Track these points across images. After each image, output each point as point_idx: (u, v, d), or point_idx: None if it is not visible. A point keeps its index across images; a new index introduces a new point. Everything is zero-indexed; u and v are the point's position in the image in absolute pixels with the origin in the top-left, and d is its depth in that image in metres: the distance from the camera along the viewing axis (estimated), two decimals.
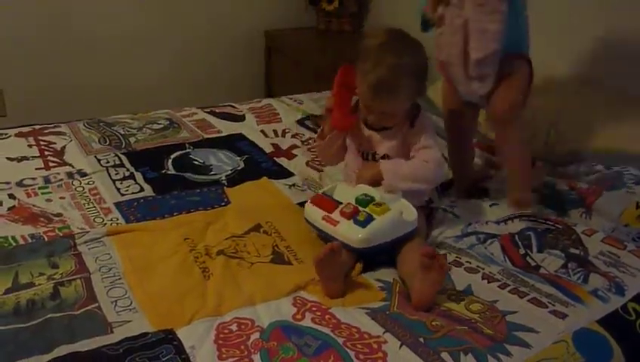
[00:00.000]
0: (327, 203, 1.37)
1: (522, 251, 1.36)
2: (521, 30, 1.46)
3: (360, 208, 1.33)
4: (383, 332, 1.10)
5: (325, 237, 1.33)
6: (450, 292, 1.22)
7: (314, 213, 1.37)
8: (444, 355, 1.04)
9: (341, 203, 1.36)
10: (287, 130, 2.05)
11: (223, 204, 1.57)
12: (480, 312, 1.16)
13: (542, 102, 1.95)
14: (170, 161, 1.79)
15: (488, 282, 1.26)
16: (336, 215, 1.33)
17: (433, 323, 1.13)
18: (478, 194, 1.61)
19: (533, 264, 1.32)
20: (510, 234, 1.41)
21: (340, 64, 1.47)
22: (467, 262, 1.33)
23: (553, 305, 1.18)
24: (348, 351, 1.05)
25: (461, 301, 1.20)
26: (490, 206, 1.56)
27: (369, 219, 1.29)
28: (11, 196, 1.54)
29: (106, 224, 1.45)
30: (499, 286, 1.25)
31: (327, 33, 3.20)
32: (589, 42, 2.05)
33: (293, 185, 1.67)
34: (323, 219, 1.34)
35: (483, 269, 1.30)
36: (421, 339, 1.08)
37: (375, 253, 1.31)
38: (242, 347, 1.06)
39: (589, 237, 1.39)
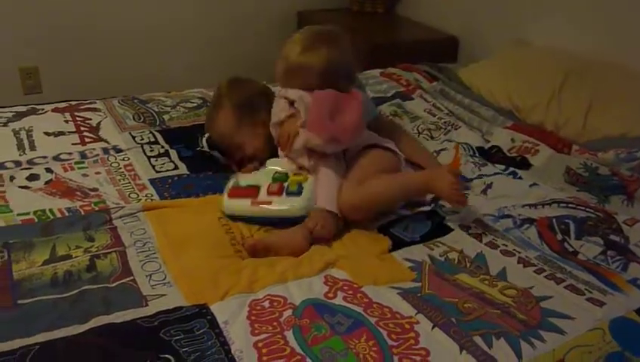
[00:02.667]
0: (247, 191, 1.34)
1: (560, 237, 1.33)
2: None
3: (284, 183, 1.34)
4: (415, 314, 1.09)
5: (262, 221, 1.33)
6: (484, 277, 1.21)
7: (238, 205, 1.35)
8: (477, 339, 1.03)
9: (258, 186, 1.36)
10: None
11: None
12: (513, 296, 1.15)
13: (579, 87, 1.91)
14: (204, 139, 1.80)
15: (524, 266, 1.24)
16: (264, 197, 1.33)
17: (465, 305, 1.12)
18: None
19: (571, 250, 1.29)
20: (547, 219, 1.37)
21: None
22: (503, 244, 1.31)
23: (590, 293, 1.16)
24: (380, 330, 1.05)
25: (494, 286, 1.18)
26: (530, 186, 1.53)
27: (300, 187, 1.32)
28: (48, 170, 1.57)
29: (140, 200, 1.46)
30: (535, 271, 1.22)
31: (361, 14, 3.16)
32: (627, 26, 2.00)
33: None
34: (252, 204, 1.33)
35: (519, 253, 1.28)
36: (453, 320, 1.08)
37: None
38: (275, 323, 1.06)
39: (631, 227, 1.35)
